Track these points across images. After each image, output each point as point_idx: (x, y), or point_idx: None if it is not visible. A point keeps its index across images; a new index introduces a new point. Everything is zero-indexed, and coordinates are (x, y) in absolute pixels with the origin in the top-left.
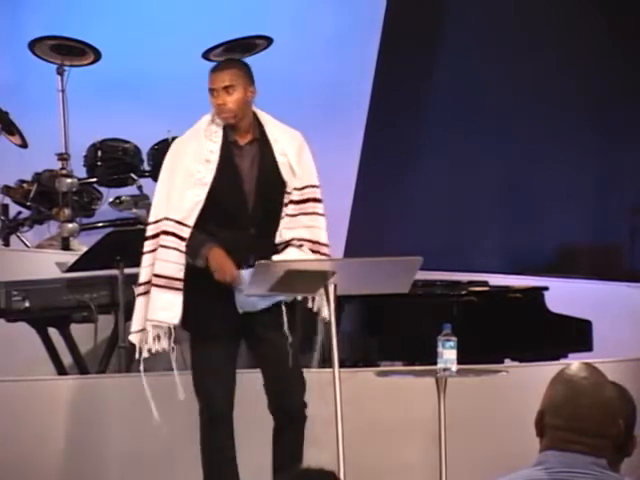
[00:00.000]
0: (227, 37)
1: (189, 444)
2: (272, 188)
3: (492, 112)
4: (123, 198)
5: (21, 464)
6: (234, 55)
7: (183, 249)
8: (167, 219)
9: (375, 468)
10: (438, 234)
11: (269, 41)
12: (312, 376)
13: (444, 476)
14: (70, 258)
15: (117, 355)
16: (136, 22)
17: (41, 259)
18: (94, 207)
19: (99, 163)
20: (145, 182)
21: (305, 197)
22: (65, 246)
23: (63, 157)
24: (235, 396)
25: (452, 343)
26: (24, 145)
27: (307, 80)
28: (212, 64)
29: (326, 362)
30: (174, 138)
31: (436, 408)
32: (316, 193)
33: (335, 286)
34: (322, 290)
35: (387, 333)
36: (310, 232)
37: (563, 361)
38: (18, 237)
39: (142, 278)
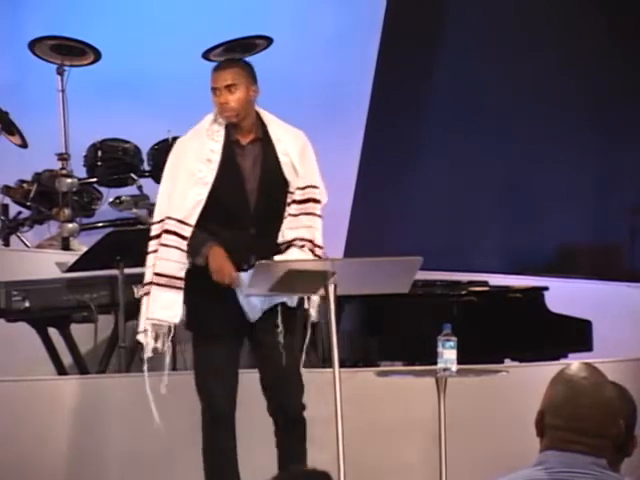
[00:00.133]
0: (227, 37)
1: (190, 444)
2: (275, 187)
3: (492, 112)
4: (123, 198)
5: (21, 464)
6: (234, 55)
7: (184, 248)
8: (169, 218)
9: (375, 468)
10: (438, 234)
11: (269, 41)
12: (312, 376)
13: (444, 476)
14: (70, 258)
15: (117, 355)
16: (136, 22)
17: (41, 259)
18: (94, 207)
19: (99, 163)
20: (145, 182)
21: (306, 197)
22: (65, 246)
23: (63, 157)
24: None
25: (452, 343)
26: (24, 145)
27: (307, 80)
28: (212, 64)
29: (326, 362)
30: (174, 138)
31: (436, 408)
32: (315, 194)
33: (335, 286)
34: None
35: (387, 333)
36: (309, 232)
37: (563, 361)
38: (18, 237)
39: (146, 278)
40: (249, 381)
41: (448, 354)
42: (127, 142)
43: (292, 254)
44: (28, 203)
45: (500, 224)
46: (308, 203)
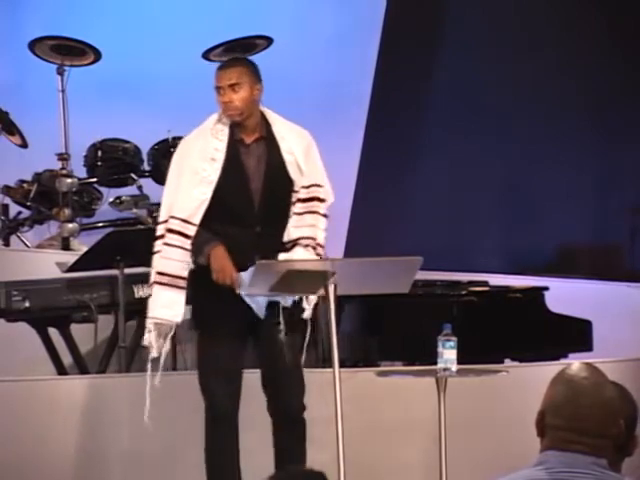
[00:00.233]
0: (227, 37)
1: (190, 444)
2: (279, 186)
3: (492, 112)
4: (123, 198)
5: (21, 464)
6: (234, 55)
7: (188, 247)
8: (173, 217)
9: (375, 468)
10: (438, 234)
11: (269, 41)
12: (312, 376)
13: (444, 476)
14: (70, 258)
15: (117, 355)
16: (136, 22)
17: (41, 259)
18: (94, 207)
19: (99, 163)
20: (145, 182)
21: (310, 196)
22: (65, 246)
23: (63, 157)
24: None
25: (452, 343)
26: (24, 145)
27: (307, 80)
28: (212, 64)
29: (326, 362)
30: (174, 138)
31: (436, 408)
32: (320, 192)
33: (335, 286)
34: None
35: (387, 333)
36: (312, 231)
37: (563, 361)
38: (18, 237)
39: (151, 279)
40: (249, 380)
41: (448, 354)
42: (127, 142)
43: (297, 253)
44: (28, 203)
45: (500, 224)
46: (312, 202)
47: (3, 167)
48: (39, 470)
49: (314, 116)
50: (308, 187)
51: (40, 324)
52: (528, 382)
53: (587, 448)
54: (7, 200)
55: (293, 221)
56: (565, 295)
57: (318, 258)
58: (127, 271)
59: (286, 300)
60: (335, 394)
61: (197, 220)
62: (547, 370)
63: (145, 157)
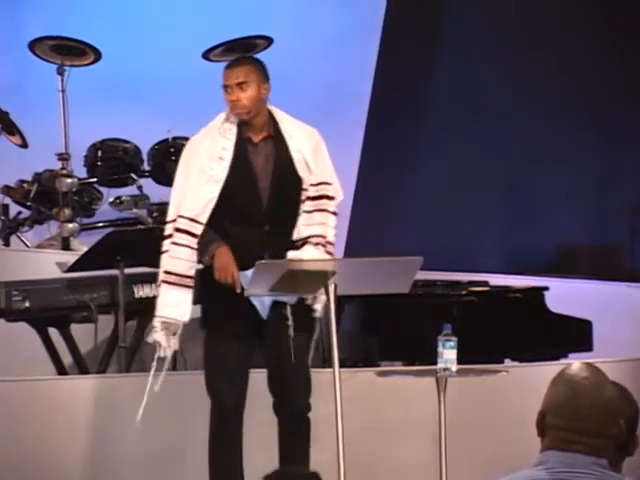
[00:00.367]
0: (227, 37)
1: (190, 444)
2: (287, 184)
3: (492, 112)
4: (123, 198)
5: (21, 464)
6: (234, 55)
7: (195, 246)
8: (181, 216)
9: (375, 468)
10: (438, 234)
11: (269, 41)
12: (312, 376)
13: (444, 476)
14: (70, 258)
15: (117, 355)
16: (136, 22)
17: (41, 259)
18: (94, 207)
19: (99, 163)
20: (145, 182)
21: (319, 194)
22: (65, 246)
23: (63, 157)
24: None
25: (452, 343)
26: (24, 145)
27: (307, 80)
28: (212, 64)
29: (326, 362)
30: (174, 138)
31: (436, 408)
32: (329, 190)
33: (335, 286)
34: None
35: (387, 333)
36: (322, 229)
37: (563, 361)
38: (18, 237)
39: (160, 278)
40: (252, 380)
41: (448, 354)
42: (127, 142)
43: (306, 251)
44: (28, 203)
45: (500, 224)
46: (321, 200)
47: (3, 167)
48: (39, 470)
49: (314, 116)
50: (317, 185)
51: (40, 324)
52: (528, 382)
53: (587, 448)
54: (7, 200)
55: (303, 219)
56: (565, 295)
57: (328, 256)
58: (127, 271)
59: (291, 297)
60: (335, 394)
61: (204, 219)
62: (547, 370)
63: (145, 157)
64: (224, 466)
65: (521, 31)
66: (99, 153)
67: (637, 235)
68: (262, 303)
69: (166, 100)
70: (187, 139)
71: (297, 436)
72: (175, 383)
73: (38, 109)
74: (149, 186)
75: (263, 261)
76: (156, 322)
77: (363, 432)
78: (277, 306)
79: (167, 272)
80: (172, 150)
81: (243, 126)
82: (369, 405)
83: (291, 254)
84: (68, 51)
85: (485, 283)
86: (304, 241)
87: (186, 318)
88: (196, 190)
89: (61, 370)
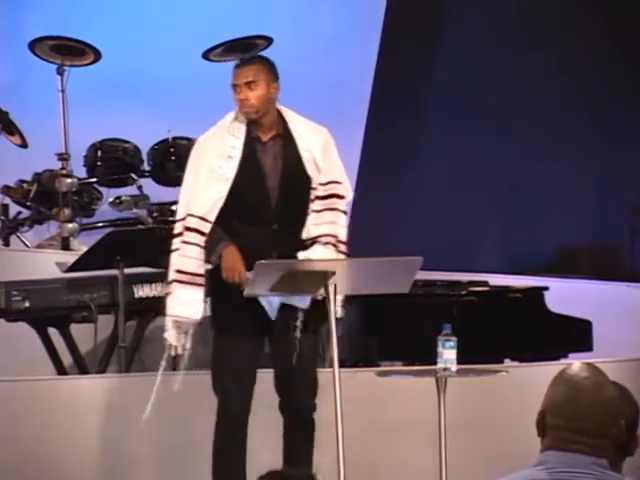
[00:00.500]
0: (227, 37)
1: (191, 444)
2: (296, 184)
3: (492, 112)
4: (123, 198)
5: (21, 464)
6: (234, 55)
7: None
8: (190, 215)
9: (375, 468)
10: (438, 234)
11: (269, 41)
12: None
13: (444, 476)
14: (70, 258)
15: (117, 355)
16: (136, 22)
17: (41, 259)
18: (94, 207)
19: (99, 163)
20: (145, 182)
21: (329, 193)
22: (65, 246)
23: (63, 157)
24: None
25: (452, 343)
26: (24, 145)
27: (307, 80)
28: (212, 64)
29: (326, 362)
30: (174, 138)
31: (436, 408)
32: (338, 189)
33: (335, 286)
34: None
35: (387, 333)
36: (332, 228)
37: (563, 361)
38: (18, 237)
39: (170, 277)
40: (257, 380)
41: (448, 354)
42: (127, 142)
43: (316, 251)
44: (28, 203)
45: (500, 224)
46: (331, 199)
47: (3, 167)
48: (39, 470)
49: (314, 116)
50: (326, 184)
51: (40, 324)
52: (528, 382)
53: (587, 448)
54: (7, 200)
55: (312, 219)
56: (565, 295)
57: (340, 255)
58: (127, 271)
59: (304, 302)
60: (335, 394)
61: (212, 218)
62: (547, 370)
63: (145, 157)
64: (228, 465)
65: (521, 31)
66: (99, 153)
67: (637, 235)
68: (270, 304)
69: (166, 100)
70: (187, 139)
71: (301, 436)
72: (179, 383)
73: (38, 109)
74: (149, 186)
75: (263, 261)
76: (168, 321)
77: (363, 432)
78: (286, 307)
79: (179, 271)
80: (172, 150)
81: (252, 125)
82: (369, 405)
83: (301, 255)
84: (68, 51)
85: (485, 283)
86: (313, 240)
87: (198, 316)
88: (205, 189)
89: (61, 370)
